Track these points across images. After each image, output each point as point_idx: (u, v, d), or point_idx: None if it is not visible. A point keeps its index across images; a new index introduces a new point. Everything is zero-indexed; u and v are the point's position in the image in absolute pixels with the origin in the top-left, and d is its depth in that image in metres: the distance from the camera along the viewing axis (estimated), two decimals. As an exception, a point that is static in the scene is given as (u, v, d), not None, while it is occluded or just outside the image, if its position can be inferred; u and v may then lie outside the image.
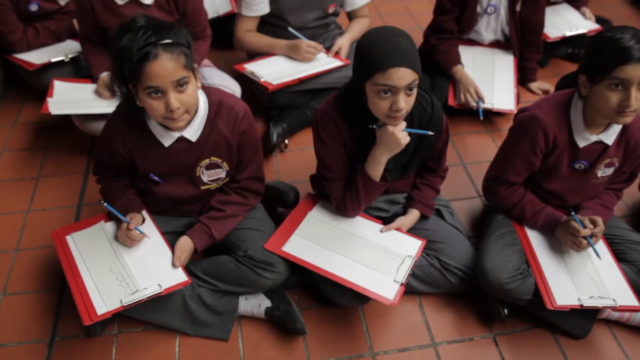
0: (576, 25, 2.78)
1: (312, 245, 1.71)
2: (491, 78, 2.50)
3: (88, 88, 2.22)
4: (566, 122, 1.66)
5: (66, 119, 2.29)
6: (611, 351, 1.71)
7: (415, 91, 1.48)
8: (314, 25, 2.47)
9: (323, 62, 2.40)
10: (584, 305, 1.58)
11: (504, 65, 2.56)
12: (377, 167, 1.64)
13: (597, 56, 1.51)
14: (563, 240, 1.70)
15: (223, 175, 1.68)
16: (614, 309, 1.61)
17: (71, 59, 2.38)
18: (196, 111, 1.54)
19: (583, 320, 1.70)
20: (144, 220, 1.68)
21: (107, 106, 2.10)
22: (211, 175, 1.66)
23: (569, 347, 1.71)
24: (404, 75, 1.42)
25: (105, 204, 1.63)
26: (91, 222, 1.73)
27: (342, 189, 1.74)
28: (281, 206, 1.93)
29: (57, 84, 2.21)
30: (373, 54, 1.43)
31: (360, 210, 1.79)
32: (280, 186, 1.99)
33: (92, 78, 2.25)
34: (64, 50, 2.42)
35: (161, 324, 1.68)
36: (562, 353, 1.70)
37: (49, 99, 2.13)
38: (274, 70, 2.34)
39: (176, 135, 1.56)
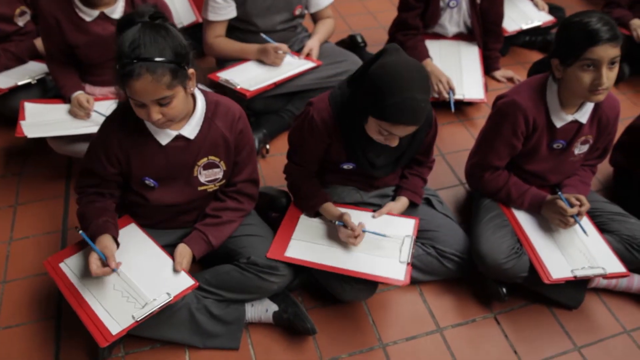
0: (531, 18, 2.93)
1: (313, 246, 1.73)
2: (459, 70, 2.59)
3: (61, 108, 2.15)
4: (543, 104, 1.74)
5: (37, 142, 2.21)
6: (603, 317, 1.81)
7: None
8: (281, 28, 2.49)
9: (296, 64, 2.42)
10: (577, 276, 1.67)
11: (470, 56, 2.66)
12: (324, 213, 1.78)
13: (568, 40, 1.61)
14: (550, 219, 1.78)
15: (220, 175, 1.67)
16: (604, 277, 1.70)
17: (37, 80, 2.31)
18: (194, 110, 1.55)
19: (575, 291, 1.79)
20: (118, 245, 1.58)
21: (86, 126, 2.06)
22: (208, 175, 1.65)
23: (565, 318, 1.80)
24: (410, 130, 1.50)
25: (80, 231, 1.56)
26: (80, 246, 1.68)
27: (301, 175, 1.81)
28: (274, 211, 1.94)
29: (28, 106, 2.13)
30: (391, 103, 1.43)
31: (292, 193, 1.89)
32: (271, 192, 2.00)
33: (62, 98, 2.19)
34: (29, 72, 2.34)
35: (169, 339, 1.66)
36: (559, 324, 1.79)
37: (22, 122, 2.05)
38: (249, 77, 2.34)
39: (173, 133, 1.55)
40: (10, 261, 1.93)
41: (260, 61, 2.42)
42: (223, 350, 1.68)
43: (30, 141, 2.23)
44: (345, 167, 1.77)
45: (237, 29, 2.46)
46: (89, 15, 2.05)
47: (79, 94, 2.12)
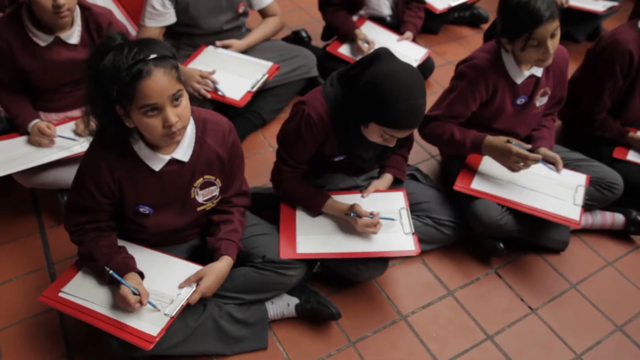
0: None
1: (320, 237, 1.75)
2: (392, 44, 2.70)
3: (19, 141, 2.01)
4: (501, 66, 1.87)
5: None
6: (587, 255, 2.00)
7: None
8: (227, 27, 2.47)
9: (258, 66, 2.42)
10: (583, 205, 1.81)
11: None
12: (328, 211, 1.79)
13: (512, 24, 1.73)
14: (504, 162, 1.84)
15: (217, 192, 1.63)
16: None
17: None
18: None
19: (561, 235, 1.95)
20: (143, 278, 1.55)
21: (53, 153, 1.95)
22: (205, 194, 1.61)
23: (556, 261, 1.97)
24: (411, 131, 1.57)
25: (110, 271, 1.47)
26: (70, 274, 1.59)
27: (290, 175, 1.80)
28: (269, 209, 1.94)
29: (-15, 147, 1.99)
30: (398, 111, 1.48)
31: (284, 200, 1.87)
32: (262, 191, 2.00)
33: (15, 131, 2.06)
34: (-29, 106, 2.17)
35: (198, 352, 1.63)
36: (553, 267, 1.95)
37: (-17, 164, 1.91)
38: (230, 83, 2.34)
39: (167, 158, 1.49)
40: (0, 308, 1.80)
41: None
42: (252, 352, 1.67)
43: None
44: (336, 160, 1.80)
45: (184, 34, 2.43)
46: (43, 40, 1.94)
47: (37, 122, 2.00)
